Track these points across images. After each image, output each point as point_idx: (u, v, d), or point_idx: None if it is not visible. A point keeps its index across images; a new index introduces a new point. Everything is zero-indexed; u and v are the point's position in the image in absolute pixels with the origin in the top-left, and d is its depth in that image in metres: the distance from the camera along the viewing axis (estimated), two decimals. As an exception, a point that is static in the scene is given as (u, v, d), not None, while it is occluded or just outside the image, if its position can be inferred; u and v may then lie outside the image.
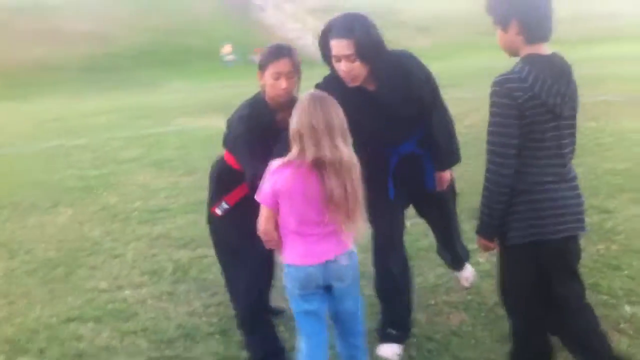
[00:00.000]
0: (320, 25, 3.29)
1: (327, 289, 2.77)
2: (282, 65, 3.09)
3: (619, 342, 3.30)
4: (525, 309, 2.85)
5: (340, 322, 2.87)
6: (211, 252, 5.12)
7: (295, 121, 2.60)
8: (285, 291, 2.84)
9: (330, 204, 2.57)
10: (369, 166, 2.72)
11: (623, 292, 3.90)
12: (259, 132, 3.11)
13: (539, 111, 2.56)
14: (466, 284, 4.08)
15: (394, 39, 37.38)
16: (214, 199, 3.45)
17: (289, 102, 3.18)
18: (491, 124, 2.61)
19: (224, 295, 4.32)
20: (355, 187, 2.60)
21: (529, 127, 2.57)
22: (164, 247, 5.45)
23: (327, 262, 2.70)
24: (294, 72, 3.13)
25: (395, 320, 3.46)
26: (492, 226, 2.70)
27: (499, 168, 2.60)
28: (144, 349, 3.73)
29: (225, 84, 24.61)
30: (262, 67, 3.14)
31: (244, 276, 3.38)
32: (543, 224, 2.66)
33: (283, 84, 3.09)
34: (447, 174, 3.50)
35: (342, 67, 3.06)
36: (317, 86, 3.22)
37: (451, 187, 3.64)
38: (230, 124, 3.31)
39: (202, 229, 5.79)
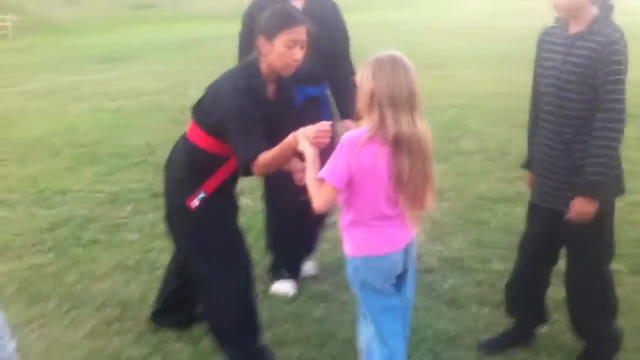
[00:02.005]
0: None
1: (399, 277, 2.52)
2: (299, 32, 2.70)
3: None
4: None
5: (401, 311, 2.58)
6: (41, 259, 4.29)
7: (373, 87, 2.27)
8: (355, 287, 2.50)
9: (399, 184, 2.32)
10: None
11: None
12: (256, 106, 2.70)
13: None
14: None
15: (34, 8, 34.28)
16: (186, 190, 2.88)
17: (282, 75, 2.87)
18: (620, 81, 2.63)
19: (114, 304, 3.67)
20: (427, 167, 2.37)
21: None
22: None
23: (407, 246, 2.47)
24: (307, 41, 2.76)
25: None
26: (606, 185, 2.71)
27: (622, 125, 2.64)
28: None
29: None
30: (271, 33, 2.69)
31: (231, 276, 2.93)
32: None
33: (297, 53, 2.72)
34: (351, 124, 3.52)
35: None
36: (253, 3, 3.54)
37: None
38: (217, 95, 2.76)
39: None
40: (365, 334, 2.56)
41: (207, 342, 3.26)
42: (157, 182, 5.85)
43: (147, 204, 5.36)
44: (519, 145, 7.01)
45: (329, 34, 3.60)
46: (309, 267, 4.09)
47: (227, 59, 16.98)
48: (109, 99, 10.73)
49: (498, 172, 5.98)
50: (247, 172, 2.71)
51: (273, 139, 2.67)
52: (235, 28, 3.81)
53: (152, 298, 3.56)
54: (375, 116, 2.28)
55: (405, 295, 2.57)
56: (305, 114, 3.41)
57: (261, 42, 2.72)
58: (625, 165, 2.89)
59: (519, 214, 4.85)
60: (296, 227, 3.84)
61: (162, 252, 4.25)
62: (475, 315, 3.52)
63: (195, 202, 2.83)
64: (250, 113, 2.66)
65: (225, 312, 2.96)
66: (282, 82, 2.91)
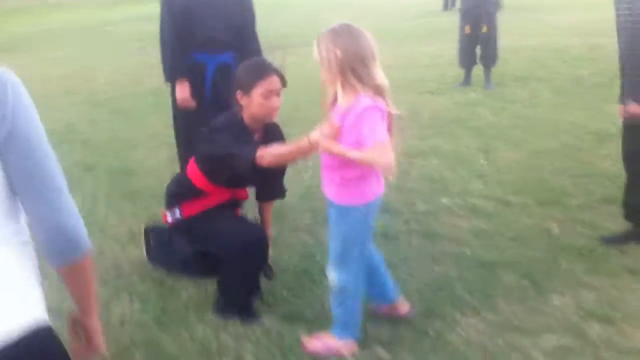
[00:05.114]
0: None
1: None
2: (273, 82, 2.92)
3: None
4: None
5: None
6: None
7: (342, 55, 2.42)
8: (357, 230, 2.73)
9: (390, 127, 2.56)
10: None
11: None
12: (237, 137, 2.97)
13: None
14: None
15: None
16: (168, 203, 3.28)
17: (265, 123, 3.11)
18: None
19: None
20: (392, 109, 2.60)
21: None
22: None
23: None
24: (281, 89, 2.98)
25: None
26: None
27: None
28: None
29: None
30: (246, 87, 2.91)
31: (235, 225, 3.17)
32: None
33: (275, 102, 2.94)
34: None
35: None
36: None
37: None
38: (207, 140, 3.02)
39: None
40: (342, 279, 2.79)
41: (170, 282, 3.52)
42: (87, 156, 6.05)
43: (83, 177, 5.45)
44: (428, 108, 7.61)
45: (239, 4, 4.10)
46: None
47: (129, 43, 16.30)
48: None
49: (410, 132, 6.43)
50: (256, 171, 2.79)
51: (263, 179, 2.98)
52: (123, 14, 4.01)
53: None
54: (355, 81, 2.45)
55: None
56: (218, 81, 4.04)
57: (240, 96, 2.94)
58: (519, 121, 3.23)
59: (435, 165, 5.38)
60: None
61: (107, 216, 4.52)
62: (407, 244, 3.95)
63: (169, 218, 3.15)
64: (233, 133, 2.90)
65: (233, 247, 2.98)
66: (269, 127, 3.14)
